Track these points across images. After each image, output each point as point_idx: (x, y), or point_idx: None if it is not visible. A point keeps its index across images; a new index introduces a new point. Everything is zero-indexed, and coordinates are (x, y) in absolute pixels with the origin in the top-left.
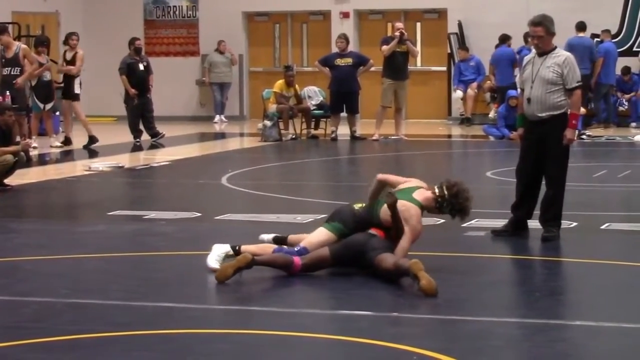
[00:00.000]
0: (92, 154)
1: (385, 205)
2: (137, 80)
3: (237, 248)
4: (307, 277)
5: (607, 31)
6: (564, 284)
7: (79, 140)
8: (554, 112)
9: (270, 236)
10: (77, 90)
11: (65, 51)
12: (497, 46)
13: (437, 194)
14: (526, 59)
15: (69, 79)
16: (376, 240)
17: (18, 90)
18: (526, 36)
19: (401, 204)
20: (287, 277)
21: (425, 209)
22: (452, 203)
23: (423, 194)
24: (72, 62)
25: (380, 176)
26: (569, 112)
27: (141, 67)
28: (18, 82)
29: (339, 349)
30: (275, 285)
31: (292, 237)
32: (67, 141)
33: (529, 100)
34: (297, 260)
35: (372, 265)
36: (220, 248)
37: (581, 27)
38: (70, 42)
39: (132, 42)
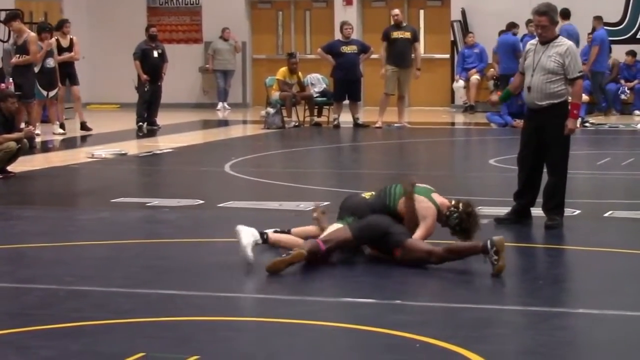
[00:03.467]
0: (95, 140)
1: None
2: (150, 67)
3: (265, 236)
4: (310, 264)
5: (599, 18)
6: (567, 271)
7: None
8: (554, 100)
9: (270, 231)
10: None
11: (57, 39)
12: (500, 33)
13: (452, 204)
14: (528, 45)
15: (72, 64)
16: (399, 225)
17: (26, 78)
18: (528, 23)
19: (421, 199)
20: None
21: (437, 213)
22: (462, 219)
23: (440, 198)
24: (68, 49)
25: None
26: (569, 102)
27: (155, 54)
28: (11, 62)
29: (342, 336)
30: (278, 273)
31: (295, 230)
32: (62, 126)
33: (529, 88)
34: (322, 245)
35: (398, 246)
36: (248, 235)
37: (565, 14)
38: (64, 29)
39: (147, 29)
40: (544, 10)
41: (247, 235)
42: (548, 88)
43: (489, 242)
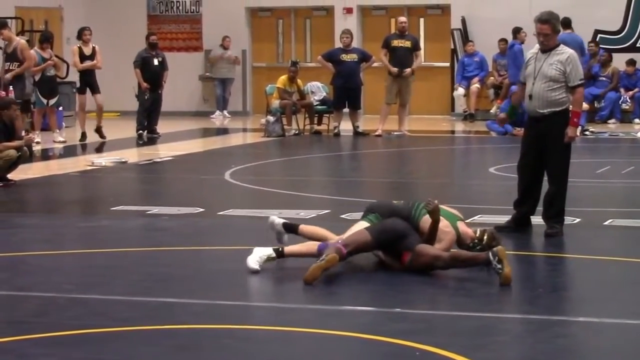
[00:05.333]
0: (95, 149)
1: (426, 215)
2: (150, 75)
3: (280, 250)
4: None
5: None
6: (567, 279)
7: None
8: (555, 108)
9: (280, 220)
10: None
11: (79, 47)
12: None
13: (477, 235)
14: (529, 54)
15: (93, 73)
16: (415, 233)
17: (16, 85)
18: (516, 31)
19: (445, 224)
20: (291, 273)
21: (458, 241)
22: (484, 251)
23: (464, 228)
24: (91, 57)
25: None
26: (570, 110)
27: (155, 62)
28: (6, 77)
29: (342, 344)
30: (279, 280)
31: (303, 228)
32: (83, 136)
33: (530, 96)
34: (344, 250)
35: (408, 250)
36: (262, 251)
37: (567, 23)
38: (84, 37)
39: (147, 37)
40: (546, 18)
41: (259, 252)
42: (549, 96)
43: (490, 253)
